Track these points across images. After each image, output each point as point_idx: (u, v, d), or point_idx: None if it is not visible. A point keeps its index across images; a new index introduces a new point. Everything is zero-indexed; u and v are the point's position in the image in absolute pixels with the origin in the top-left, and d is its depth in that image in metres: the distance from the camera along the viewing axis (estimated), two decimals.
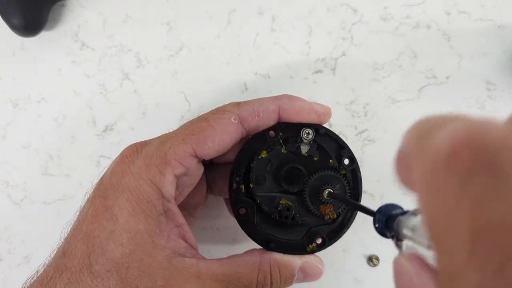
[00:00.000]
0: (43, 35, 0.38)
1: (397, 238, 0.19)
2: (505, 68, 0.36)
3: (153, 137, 0.29)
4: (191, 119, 0.29)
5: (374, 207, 0.37)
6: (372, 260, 0.36)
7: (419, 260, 0.16)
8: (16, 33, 0.36)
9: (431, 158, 0.13)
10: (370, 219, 0.37)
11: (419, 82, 0.37)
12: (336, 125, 0.37)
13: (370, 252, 0.36)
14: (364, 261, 0.36)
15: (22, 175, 0.38)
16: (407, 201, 0.37)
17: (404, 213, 0.20)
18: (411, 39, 0.37)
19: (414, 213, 0.19)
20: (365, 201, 0.36)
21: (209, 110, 0.37)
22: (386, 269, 0.36)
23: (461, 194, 0.11)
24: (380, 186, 0.36)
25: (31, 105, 0.38)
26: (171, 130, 0.37)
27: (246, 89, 0.37)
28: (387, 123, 0.37)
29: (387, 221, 0.21)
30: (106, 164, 0.37)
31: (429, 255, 0.16)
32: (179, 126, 0.37)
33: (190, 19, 0.38)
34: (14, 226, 0.37)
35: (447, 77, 0.37)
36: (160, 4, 0.38)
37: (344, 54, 0.37)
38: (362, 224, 0.36)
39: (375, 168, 0.36)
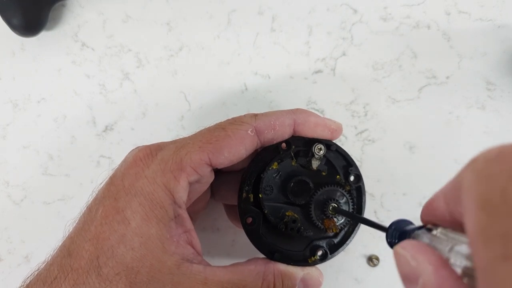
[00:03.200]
0: (43, 35, 0.38)
1: None
2: (505, 68, 0.36)
3: (146, 141, 0.29)
4: (207, 126, 0.29)
5: (374, 207, 0.37)
6: (372, 260, 0.36)
7: (417, 245, 0.17)
8: (16, 33, 0.36)
9: (480, 160, 0.15)
10: (370, 218, 0.37)
11: (419, 82, 0.37)
12: None
13: (370, 252, 0.36)
14: (364, 261, 0.36)
15: (22, 175, 0.38)
16: (406, 200, 0.38)
17: (420, 227, 0.21)
18: (411, 39, 0.37)
19: (429, 229, 0.20)
20: (365, 201, 0.36)
21: (209, 110, 0.37)
22: (386, 269, 0.36)
23: None
24: (380, 186, 0.36)
25: (31, 105, 0.38)
26: (170, 129, 0.37)
27: (246, 89, 0.37)
28: (387, 123, 0.37)
29: (401, 236, 0.21)
30: (106, 164, 0.37)
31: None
32: (179, 125, 0.37)
33: (190, 19, 0.38)
34: (14, 226, 0.37)
35: (447, 77, 0.37)
36: (160, 4, 0.38)
37: (344, 54, 0.37)
38: (362, 224, 0.36)
39: (375, 168, 0.36)
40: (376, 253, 0.36)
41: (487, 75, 0.36)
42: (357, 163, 0.37)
